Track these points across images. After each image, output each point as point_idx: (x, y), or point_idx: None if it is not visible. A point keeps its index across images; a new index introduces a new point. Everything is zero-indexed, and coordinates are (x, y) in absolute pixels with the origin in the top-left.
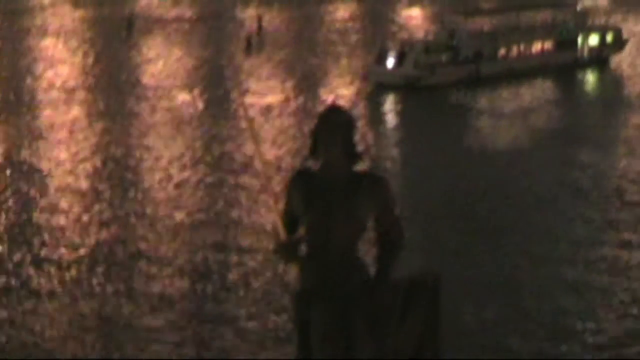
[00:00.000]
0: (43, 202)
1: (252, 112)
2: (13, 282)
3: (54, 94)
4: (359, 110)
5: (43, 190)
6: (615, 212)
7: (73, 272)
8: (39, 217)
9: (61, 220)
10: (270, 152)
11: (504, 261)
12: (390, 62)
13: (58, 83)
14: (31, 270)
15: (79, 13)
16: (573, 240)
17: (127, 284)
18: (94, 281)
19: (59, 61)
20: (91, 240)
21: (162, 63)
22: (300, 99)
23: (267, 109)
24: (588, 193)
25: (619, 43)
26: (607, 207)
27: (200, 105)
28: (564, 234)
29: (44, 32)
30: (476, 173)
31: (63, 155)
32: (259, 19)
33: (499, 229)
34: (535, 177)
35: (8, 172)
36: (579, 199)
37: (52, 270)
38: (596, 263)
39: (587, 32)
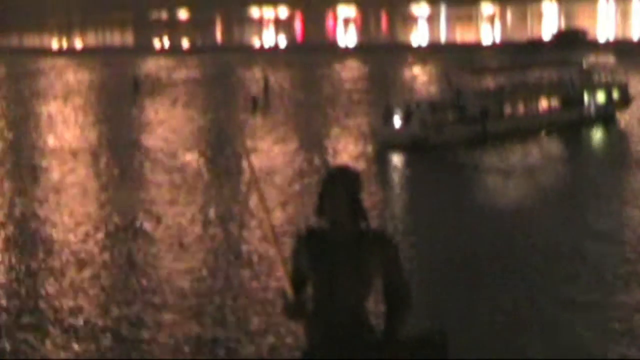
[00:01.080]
0: (47, 268)
1: (258, 172)
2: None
3: (60, 155)
4: (366, 170)
5: (47, 255)
6: (624, 269)
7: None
8: (42, 283)
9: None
10: (276, 212)
11: (511, 320)
12: (396, 122)
13: (64, 145)
14: (30, 337)
15: (84, 75)
16: (583, 302)
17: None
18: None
19: (65, 123)
20: (101, 311)
21: (167, 124)
22: (307, 159)
23: (273, 169)
24: (596, 250)
25: (626, 100)
26: (616, 264)
27: (206, 165)
28: (572, 293)
29: (50, 94)
30: (483, 231)
31: (67, 219)
32: (266, 79)
33: (506, 287)
34: (542, 235)
35: (12, 235)
36: (586, 256)
37: (58, 333)
38: (609, 324)
39: (593, 89)
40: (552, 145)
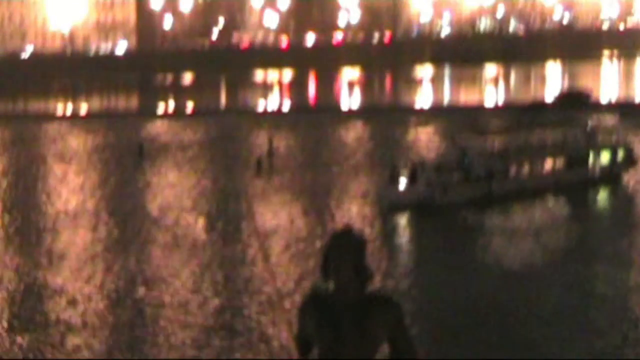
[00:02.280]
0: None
1: (262, 235)
2: None
3: (64, 219)
4: (371, 231)
5: (52, 324)
6: (632, 335)
7: None
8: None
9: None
10: (281, 275)
11: None
12: (402, 182)
13: (68, 209)
14: None
15: (89, 139)
16: None
17: None
18: None
19: (69, 187)
20: None
21: (172, 187)
22: (312, 221)
23: (277, 231)
24: (602, 312)
25: (631, 160)
26: (623, 324)
27: (210, 228)
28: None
29: (55, 158)
30: (489, 292)
31: (71, 285)
32: (270, 140)
33: (512, 348)
34: (546, 298)
35: (18, 301)
36: (593, 317)
37: None
38: None
39: (598, 149)
40: (558, 206)
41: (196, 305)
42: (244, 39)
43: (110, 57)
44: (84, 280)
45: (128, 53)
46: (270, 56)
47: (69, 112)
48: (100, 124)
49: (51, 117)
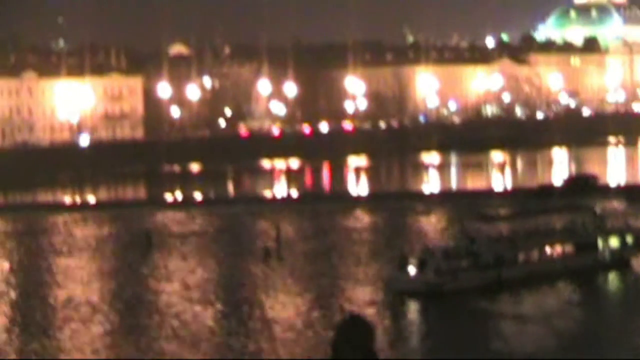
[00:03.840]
0: None
1: (271, 325)
2: None
3: (70, 311)
4: (380, 319)
5: None
6: None
7: None
8: None
9: None
10: None
11: None
12: (411, 269)
13: (75, 301)
14: None
15: (97, 229)
16: None
17: None
18: None
19: (76, 279)
20: None
21: (179, 277)
22: (321, 309)
23: (286, 321)
24: None
25: None
26: None
27: (218, 319)
28: None
29: (63, 249)
30: None
31: None
32: (277, 229)
33: None
34: None
35: None
36: None
37: None
38: None
39: (607, 234)
40: (567, 291)
41: None
42: (250, 127)
43: (118, 146)
44: None
45: (136, 143)
46: (277, 145)
47: (77, 203)
48: (109, 214)
49: (60, 207)
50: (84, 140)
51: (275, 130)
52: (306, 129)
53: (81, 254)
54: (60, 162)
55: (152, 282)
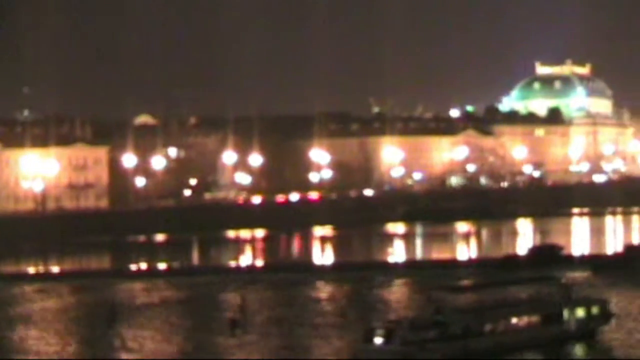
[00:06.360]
0: None
1: None
2: None
3: None
4: None
5: None
6: None
7: None
8: None
9: None
10: None
11: None
12: (377, 340)
13: None
14: None
15: (60, 300)
16: None
17: None
18: None
19: (38, 352)
20: None
21: (145, 349)
22: None
23: None
24: None
25: (606, 315)
26: None
27: None
28: None
29: (25, 320)
30: None
31: None
32: (243, 300)
33: None
34: None
35: None
36: None
37: None
38: None
39: (573, 304)
40: None
41: None
42: (216, 198)
43: (83, 216)
44: None
45: (101, 212)
46: (242, 215)
47: (41, 273)
48: (73, 284)
49: (22, 278)
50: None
51: (242, 200)
52: (280, 198)
53: (43, 324)
54: (24, 232)
55: (115, 355)
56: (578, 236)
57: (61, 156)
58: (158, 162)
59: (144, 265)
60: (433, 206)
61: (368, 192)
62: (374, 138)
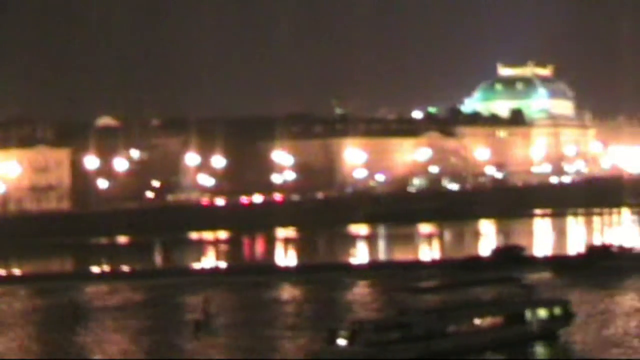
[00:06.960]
0: None
1: None
2: None
3: None
4: None
5: None
6: None
7: None
8: None
9: None
10: None
11: None
12: (340, 342)
13: None
14: None
15: (20, 303)
16: None
17: None
18: None
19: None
20: None
21: (108, 351)
22: None
23: None
24: None
25: (568, 316)
26: None
27: None
28: None
29: None
30: None
31: None
32: (206, 302)
33: None
34: None
35: None
36: None
37: None
38: None
39: (535, 306)
40: None
41: None
42: (178, 199)
43: (45, 218)
44: None
45: (63, 214)
46: (205, 217)
47: (1, 276)
48: (34, 287)
49: None
50: None
51: (205, 202)
52: (243, 200)
53: (3, 329)
54: None
55: (78, 357)
56: (540, 237)
57: (22, 158)
58: (120, 164)
59: (106, 268)
60: (396, 207)
61: (331, 194)
62: (337, 139)
